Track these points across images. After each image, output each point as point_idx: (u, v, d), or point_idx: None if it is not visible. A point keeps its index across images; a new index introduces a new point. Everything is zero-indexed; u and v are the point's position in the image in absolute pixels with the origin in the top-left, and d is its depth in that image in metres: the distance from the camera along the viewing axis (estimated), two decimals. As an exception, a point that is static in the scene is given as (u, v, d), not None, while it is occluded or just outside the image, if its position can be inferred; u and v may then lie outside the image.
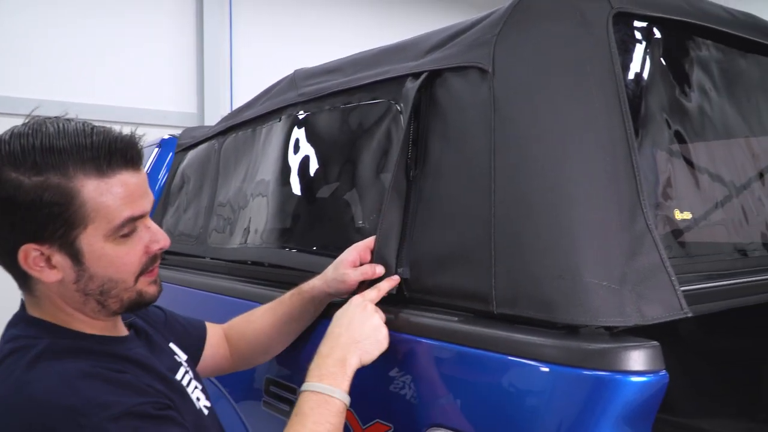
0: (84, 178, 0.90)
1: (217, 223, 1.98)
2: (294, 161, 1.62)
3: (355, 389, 1.13)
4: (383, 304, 1.15)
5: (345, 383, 1.02)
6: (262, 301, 1.45)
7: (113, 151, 0.92)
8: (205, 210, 2.08)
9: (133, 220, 0.94)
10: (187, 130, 2.54)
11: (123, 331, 1.06)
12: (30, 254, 0.91)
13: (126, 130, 0.96)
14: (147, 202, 0.97)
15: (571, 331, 0.91)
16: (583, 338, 0.88)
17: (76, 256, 0.92)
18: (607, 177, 0.95)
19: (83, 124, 0.93)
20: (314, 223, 1.54)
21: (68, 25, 7.25)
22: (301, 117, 1.63)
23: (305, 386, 1.02)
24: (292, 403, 1.32)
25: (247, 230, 1.77)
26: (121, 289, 0.97)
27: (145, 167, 2.83)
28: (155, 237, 0.99)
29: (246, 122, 1.92)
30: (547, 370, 0.89)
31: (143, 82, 7.70)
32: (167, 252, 2.32)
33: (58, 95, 7.11)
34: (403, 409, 1.10)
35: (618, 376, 0.82)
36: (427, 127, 1.19)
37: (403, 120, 1.25)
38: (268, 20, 8.53)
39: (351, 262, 1.22)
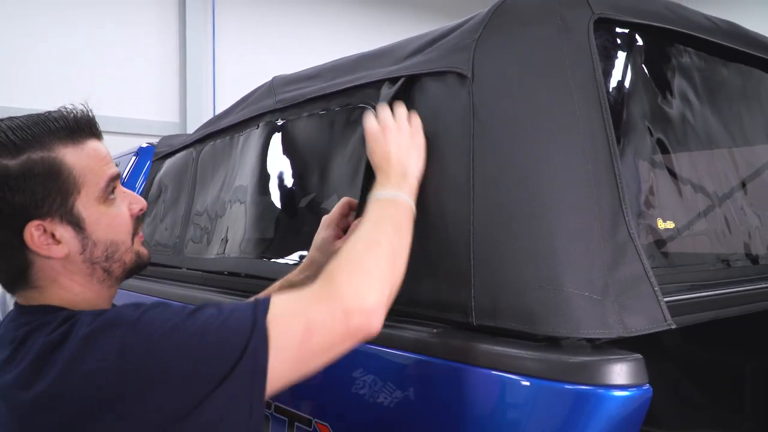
0: (62, 147, 0.93)
1: (194, 233, 1.94)
2: (272, 169, 1.59)
3: (332, 404, 1.10)
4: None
5: (407, 189, 1.04)
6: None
7: (78, 124, 0.96)
8: (181, 219, 2.04)
9: (114, 180, 0.99)
10: (165, 139, 2.50)
11: None
12: (34, 234, 0.92)
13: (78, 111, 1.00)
14: (116, 168, 1.01)
15: (553, 343, 0.89)
16: (565, 351, 0.86)
17: (77, 224, 0.94)
18: (588, 185, 0.93)
19: (35, 114, 0.96)
20: (292, 233, 1.51)
21: (50, 35, 7.19)
22: (279, 124, 1.60)
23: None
24: (275, 417, 1.28)
25: (224, 240, 1.74)
26: (123, 251, 1.00)
27: (122, 175, 2.79)
28: (134, 199, 1.04)
29: (223, 130, 1.89)
30: (527, 383, 0.86)
31: (125, 91, 7.65)
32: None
33: (40, 104, 7.02)
34: (382, 423, 1.06)
35: (600, 391, 0.80)
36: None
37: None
38: (251, 29, 8.53)
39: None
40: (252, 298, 0.93)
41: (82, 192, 0.94)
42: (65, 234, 0.94)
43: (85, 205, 0.95)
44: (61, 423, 0.80)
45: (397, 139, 1.09)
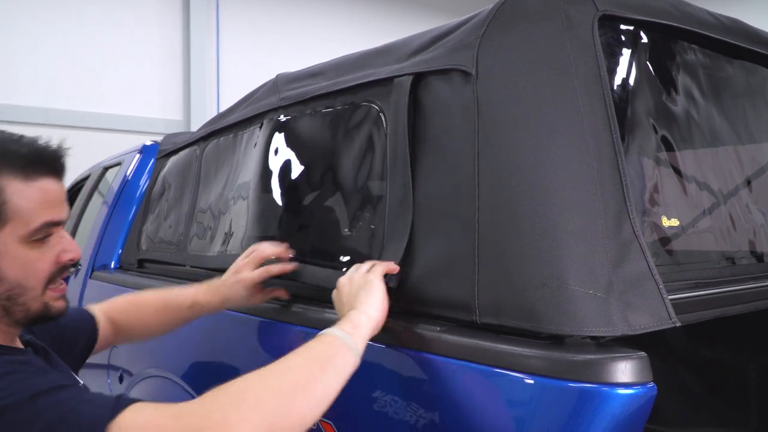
0: (8, 178, 0.92)
1: (198, 231, 1.94)
2: (275, 167, 1.59)
3: (336, 403, 1.09)
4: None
5: (348, 327, 0.98)
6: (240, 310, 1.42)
7: (41, 158, 0.95)
8: (185, 217, 2.04)
9: (49, 225, 0.96)
10: (169, 136, 2.50)
11: (20, 346, 1.04)
12: None
13: (56, 141, 1.00)
14: (64, 212, 0.99)
15: (557, 341, 0.89)
16: (569, 349, 0.86)
17: None
18: (592, 182, 0.93)
19: (10, 133, 0.96)
20: (295, 230, 1.51)
21: (54, 34, 7.19)
22: (282, 122, 1.59)
23: None
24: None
25: (227, 238, 1.74)
26: (29, 298, 0.97)
27: (126, 173, 2.79)
28: (67, 247, 1.00)
29: (227, 127, 1.89)
30: (531, 381, 0.86)
31: (130, 89, 7.67)
32: (147, 260, 2.29)
33: (43, 102, 7.05)
34: (385, 422, 1.06)
35: (605, 389, 0.80)
36: (411, 132, 1.16)
37: (385, 124, 1.23)
38: (255, 28, 8.53)
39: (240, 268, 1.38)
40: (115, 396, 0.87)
41: (7, 227, 0.92)
42: None
43: (6, 240, 0.93)
44: None
45: (348, 288, 1.08)
